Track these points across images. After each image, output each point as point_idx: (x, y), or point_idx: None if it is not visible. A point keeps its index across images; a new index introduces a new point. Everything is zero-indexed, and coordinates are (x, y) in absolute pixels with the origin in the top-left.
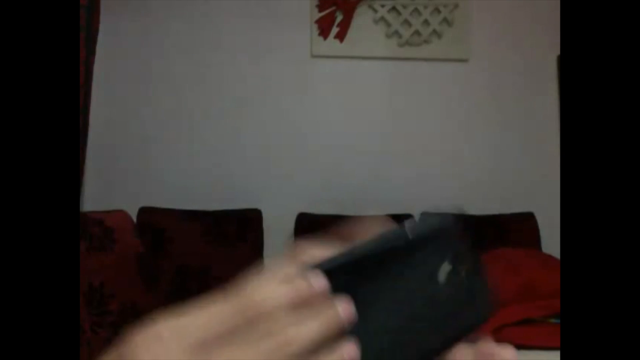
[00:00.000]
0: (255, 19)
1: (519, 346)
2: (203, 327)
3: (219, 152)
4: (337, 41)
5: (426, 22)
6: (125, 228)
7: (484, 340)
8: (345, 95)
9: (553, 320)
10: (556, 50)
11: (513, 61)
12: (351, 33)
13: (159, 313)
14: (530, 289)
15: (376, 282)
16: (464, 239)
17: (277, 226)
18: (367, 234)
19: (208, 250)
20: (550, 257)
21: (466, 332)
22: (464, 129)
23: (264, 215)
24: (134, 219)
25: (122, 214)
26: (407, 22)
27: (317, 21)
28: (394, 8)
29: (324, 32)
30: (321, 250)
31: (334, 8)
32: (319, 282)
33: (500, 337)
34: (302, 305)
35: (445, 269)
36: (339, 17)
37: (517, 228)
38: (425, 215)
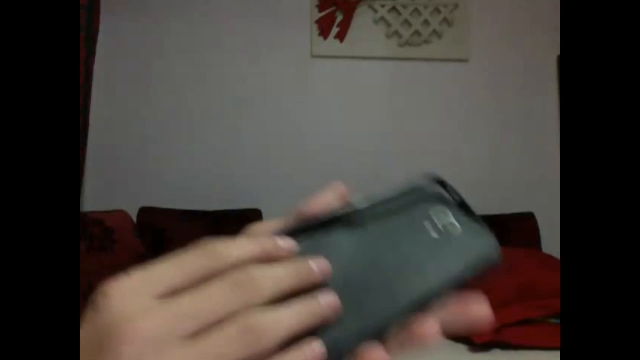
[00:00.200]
0: (255, 19)
1: (519, 346)
2: (172, 276)
3: (219, 152)
4: (337, 41)
5: (426, 22)
6: (125, 228)
7: (460, 296)
8: (345, 95)
9: (553, 320)
10: (556, 50)
11: (513, 61)
12: (351, 33)
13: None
14: (530, 289)
15: (343, 237)
16: (450, 193)
17: None
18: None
19: None
20: (550, 257)
21: (471, 272)
22: (464, 129)
23: (264, 215)
24: (134, 219)
25: (122, 214)
26: (407, 22)
27: (317, 21)
28: (394, 8)
29: (324, 32)
30: (276, 223)
31: (334, 8)
32: (285, 240)
33: (500, 337)
34: (269, 261)
35: (432, 216)
36: (339, 17)
37: (517, 228)
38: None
